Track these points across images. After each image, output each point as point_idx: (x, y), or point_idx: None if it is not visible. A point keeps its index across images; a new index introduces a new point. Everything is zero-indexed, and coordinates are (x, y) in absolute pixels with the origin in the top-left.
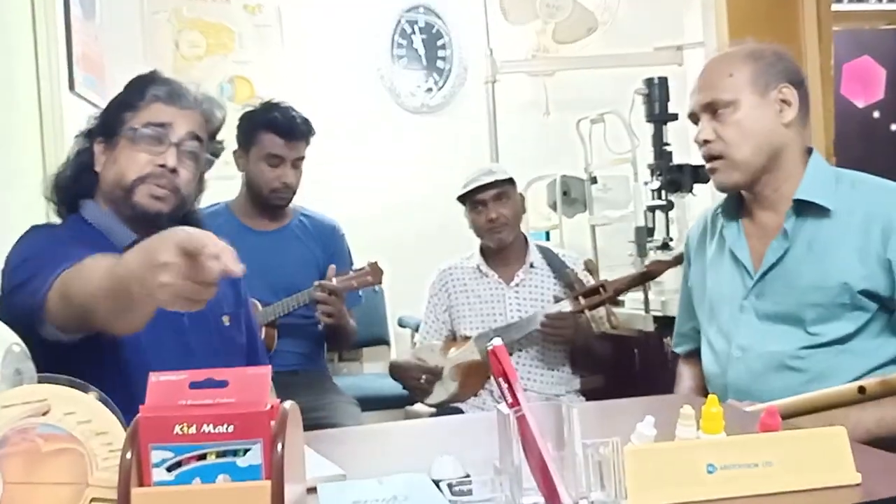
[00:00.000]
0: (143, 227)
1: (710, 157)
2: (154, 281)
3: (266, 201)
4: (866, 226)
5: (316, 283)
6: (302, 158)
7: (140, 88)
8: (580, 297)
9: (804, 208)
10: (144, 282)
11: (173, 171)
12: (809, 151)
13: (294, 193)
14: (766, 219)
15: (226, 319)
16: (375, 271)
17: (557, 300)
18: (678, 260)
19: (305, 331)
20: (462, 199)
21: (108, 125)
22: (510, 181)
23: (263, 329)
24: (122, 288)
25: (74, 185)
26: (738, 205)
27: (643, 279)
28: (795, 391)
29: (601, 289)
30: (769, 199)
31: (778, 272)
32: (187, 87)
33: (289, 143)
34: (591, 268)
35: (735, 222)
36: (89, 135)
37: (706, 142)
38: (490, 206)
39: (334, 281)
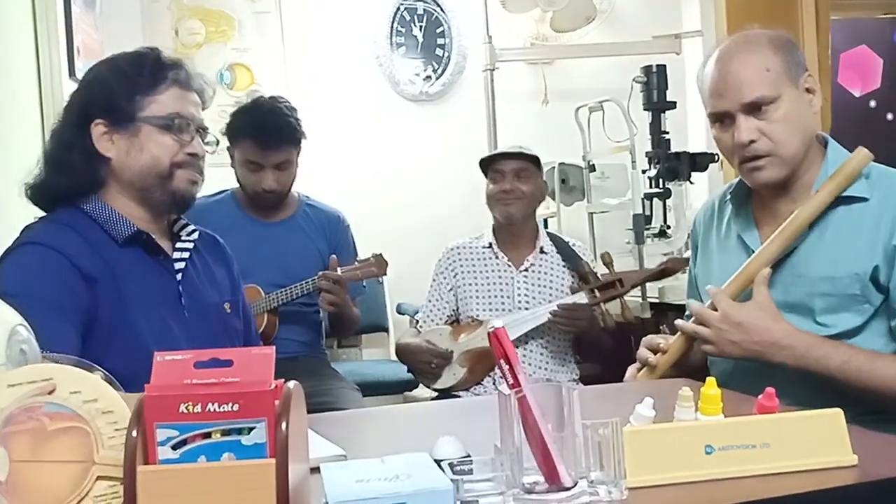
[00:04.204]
0: (176, 210)
1: (754, 156)
2: None
3: (254, 201)
4: (878, 214)
5: (320, 272)
6: (287, 162)
7: (153, 71)
8: (596, 290)
9: None
10: None
11: (201, 157)
12: (819, 138)
13: (283, 194)
14: (780, 207)
15: (227, 307)
16: (380, 263)
17: (574, 291)
18: None
19: (306, 318)
20: (484, 169)
21: (118, 108)
22: (535, 160)
23: (266, 315)
24: None
25: (88, 173)
26: (748, 191)
27: (660, 276)
28: (801, 379)
29: (618, 283)
30: (788, 188)
31: (788, 261)
32: (188, 67)
33: (265, 151)
34: (607, 261)
35: (745, 209)
36: (81, 118)
37: (751, 142)
38: (508, 177)
39: (339, 271)
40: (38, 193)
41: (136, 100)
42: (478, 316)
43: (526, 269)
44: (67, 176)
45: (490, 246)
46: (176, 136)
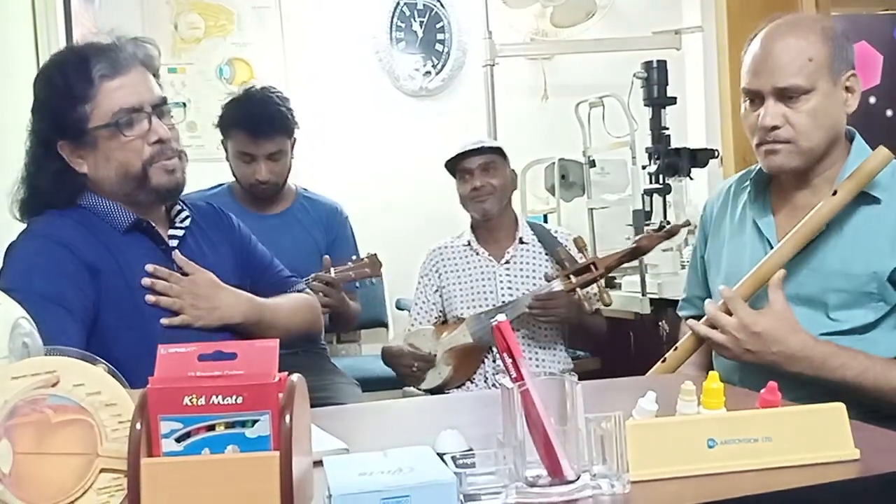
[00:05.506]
0: (168, 200)
1: (773, 141)
2: None
3: (250, 193)
4: None
5: (312, 275)
6: (280, 152)
7: (78, 74)
8: (571, 276)
9: None
10: None
11: (167, 138)
12: (847, 133)
13: (278, 185)
14: (799, 198)
15: None
16: (374, 263)
17: (549, 279)
18: (669, 233)
19: None
20: (452, 170)
21: (69, 127)
22: (499, 151)
23: None
24: None
25: (71, 187)
26: (769, 177)
27: (634, 255)
28: (809, 375)
29: (592, 266)
30: (809, 180)
31: (803, 254)
32: (114, 44)
33: (257, 141)
34: (580, 245)
35: (763, 196)
36: (46, 142)
37: (774, 127)
38: (476, 174)
39: (332, 272)
40: (25, 211)
41: (78, 112)
42: (462, 314)
43: (507, 262)
44: (49, 196)
45: (469, 244)
46: (129, 133)
